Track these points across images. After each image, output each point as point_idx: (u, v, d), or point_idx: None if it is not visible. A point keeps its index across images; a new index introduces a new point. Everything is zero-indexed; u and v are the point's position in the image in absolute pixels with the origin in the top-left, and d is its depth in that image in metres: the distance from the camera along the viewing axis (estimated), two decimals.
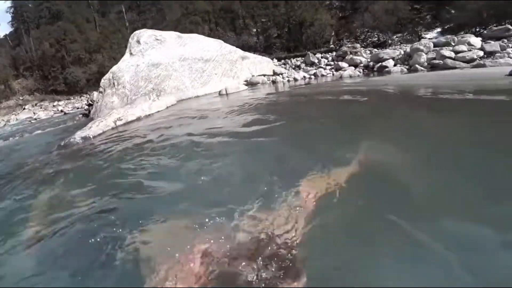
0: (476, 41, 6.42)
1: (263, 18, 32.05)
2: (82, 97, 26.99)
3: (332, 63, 14.65)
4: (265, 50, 31.01)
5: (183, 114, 4.70)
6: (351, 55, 15.19)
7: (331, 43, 28.77)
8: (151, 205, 1.61)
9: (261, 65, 9.29)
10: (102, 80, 7.50)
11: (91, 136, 3.87)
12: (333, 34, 30.50)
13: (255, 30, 33.12)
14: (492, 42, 6.53)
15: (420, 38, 30.65)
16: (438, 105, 2.90)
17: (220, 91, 6.48)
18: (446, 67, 5.52)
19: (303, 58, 19.98)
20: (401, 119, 2.42)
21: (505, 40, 6.91)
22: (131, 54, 7.75)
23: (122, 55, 8.07)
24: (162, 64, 7.32)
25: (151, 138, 3.27)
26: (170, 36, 8.16)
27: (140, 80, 6.99)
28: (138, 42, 7.80)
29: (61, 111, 19.70)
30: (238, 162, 1.93)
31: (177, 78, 7.25)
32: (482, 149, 1.72)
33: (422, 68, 5.83)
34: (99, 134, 4.04)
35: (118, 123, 4.44)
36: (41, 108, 26.89)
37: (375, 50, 23.38)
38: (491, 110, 2.47)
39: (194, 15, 28.97)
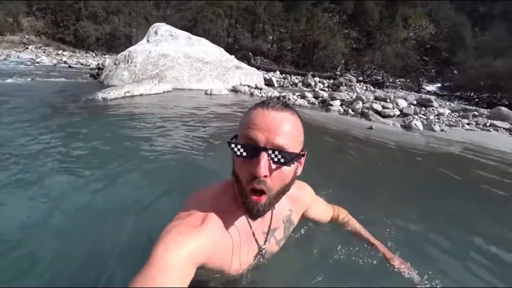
0: (403, 103, 9.01)
1: (281, 29, 34.93)
2: (88, 54, 29.05)
3: (326, 89, 17.45)
4: (275, 59, 34.02)
5: (176, 99, 7.17)
6: (345, 86, 18.19)
7: (338, 70, 31.87)
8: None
9: (251, 77, 11.84)
10: (119, 55, 9.97)
11: (109, 99, 6.29)
12: (342, 62, 33.69)
13: (271, 37, 35.97)
14: (412, 106, 9.01)
15: (420, 87, 33.98)
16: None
17: (206, 90, 8.97)
18: (367, 116, 7.98)
19: (302, 78, 22.79)
20: None
21: (423, 108, 9.43)
22: (147, 41, 10.25)
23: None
24: (170, 56, 9.82)
25: (151, 110, 5.72)
26: (183, 35, 10.71)
27: (149, 64, 9.46)
28: (156, 33, 10.31)
29: (65, 62, 21.22)
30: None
31: (179, 70, 9.73)
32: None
33: (352, 113, 8.29)
34: (114, 99, 6.46)
35: (127, 94, 6.89)
36: (44, 52, 28.47)
37: (371, 87, 26.35)
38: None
39: (218, 7, 31.55)
